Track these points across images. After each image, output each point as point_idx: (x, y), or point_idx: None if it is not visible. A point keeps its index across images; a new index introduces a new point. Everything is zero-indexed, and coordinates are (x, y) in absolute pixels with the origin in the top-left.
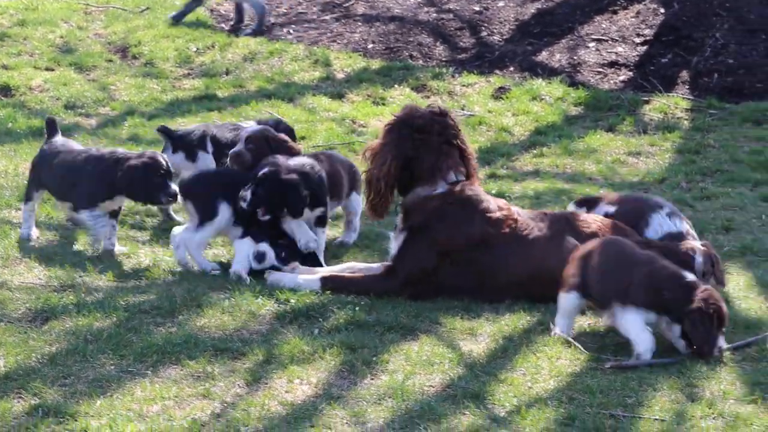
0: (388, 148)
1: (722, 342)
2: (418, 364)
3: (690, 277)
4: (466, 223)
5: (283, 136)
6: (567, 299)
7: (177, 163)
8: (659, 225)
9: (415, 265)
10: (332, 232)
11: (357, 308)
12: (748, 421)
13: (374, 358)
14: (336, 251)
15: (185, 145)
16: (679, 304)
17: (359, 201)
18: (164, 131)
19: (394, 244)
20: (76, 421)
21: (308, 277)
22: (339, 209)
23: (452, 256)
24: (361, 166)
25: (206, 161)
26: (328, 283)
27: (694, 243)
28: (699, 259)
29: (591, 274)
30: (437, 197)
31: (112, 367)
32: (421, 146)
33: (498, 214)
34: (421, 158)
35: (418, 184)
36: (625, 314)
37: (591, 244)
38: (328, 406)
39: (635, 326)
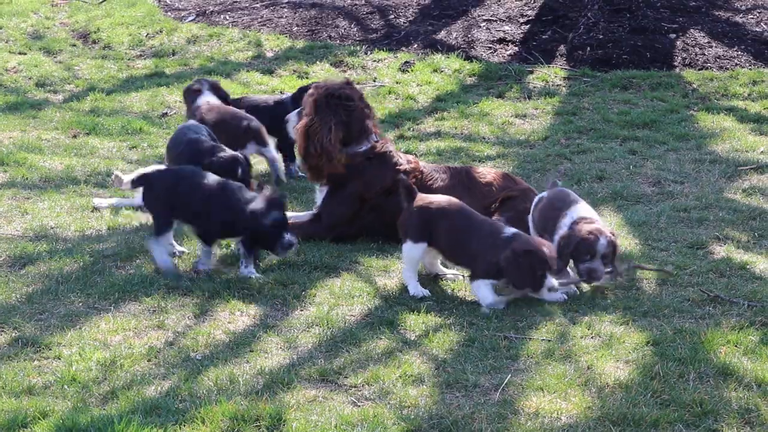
0: (327, 119)
1: (551, 281)
2: (340, 297)
3: (508, 232)
4: (381, 174)
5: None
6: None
7: None
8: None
9: (337, 213)
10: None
11: None
12: (620, 340)
13: (303, 293)
14: None
15: None
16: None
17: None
18: None
19: (319, 196)
20: (50, 350)
21: None
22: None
23: (369, 202)
24: (298, 141)
25: None
26: None
27: (602, 227)
28: (602, 241)
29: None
30: (360, 154)
31: (80, 304)
32: (352, 112)
33: (406, 167)
34: (352, 122)
35: (347, 145)
36: None
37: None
38: (265, 333)
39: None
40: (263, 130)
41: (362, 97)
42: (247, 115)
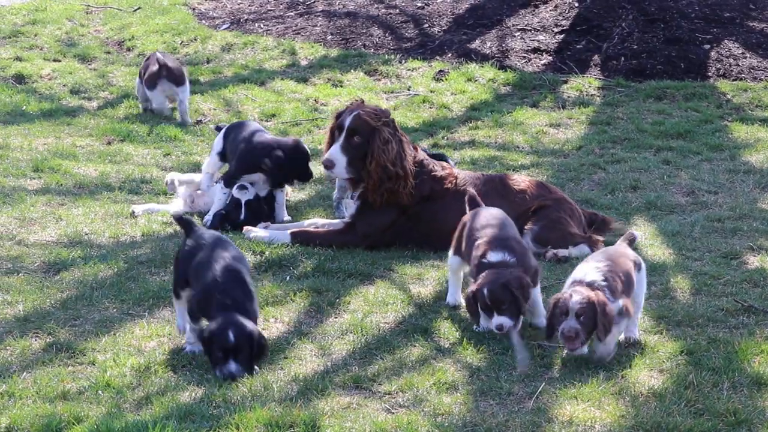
0: (406, 141)
1: (502, 320)
2: (374, 305)
3: (493, 258)
4: (419, 183)
5: None
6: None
7: None
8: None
9: (374, 222)
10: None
11: (322, 258)
12: (654, 349)
13: (337, 300)
14: (300, 209)
15: None
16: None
17: None
18: None
19: (351, 205)
20: (84, 355)
21: (280, 232)
22: None
23: (408, 211)
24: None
25: None
26: (297, 237)
27: (583, 290)
28: (575, 297)
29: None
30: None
31: (115, 310)
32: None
33: (441, 173)
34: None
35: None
36: None
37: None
38: (299, 340)
39: None
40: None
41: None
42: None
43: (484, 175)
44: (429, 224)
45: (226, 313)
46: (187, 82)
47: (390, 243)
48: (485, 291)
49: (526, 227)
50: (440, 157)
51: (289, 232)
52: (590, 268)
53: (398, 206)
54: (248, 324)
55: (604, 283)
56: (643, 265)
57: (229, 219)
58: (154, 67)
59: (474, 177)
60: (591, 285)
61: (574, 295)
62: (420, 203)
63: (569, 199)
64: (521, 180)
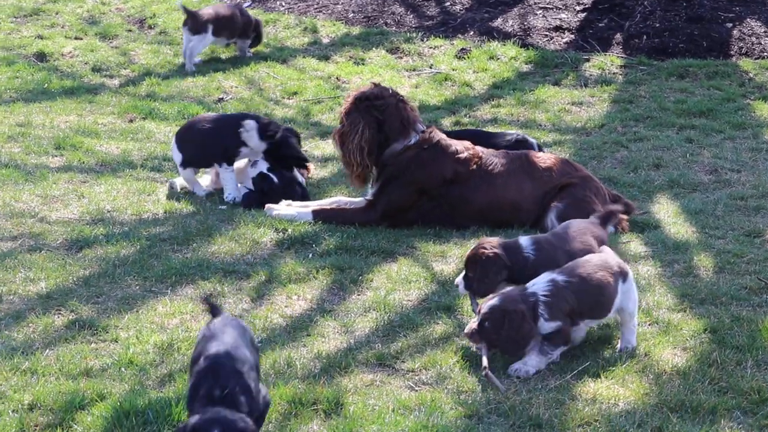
0: (356, 122)
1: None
2: (397, 282)
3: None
4: (440, 165)
5: None
6: None
7: None
8: None
9: (393, 202)
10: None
11: (344, 235)
12: (678, 327)
13: (360, 277)
14: (322, 188)
15: None
16: None
17: None
18: None
19: (372, 188)
20: (107, 333)
21: (302, 210)
22: None
23: (430, 192)
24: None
25: None
26: (319, 214)
27: (507, 297)
28: (489, 302)
29: None
30: (413, 146)
31: (137, 288)
32: (385, 109)
33: (465, 154)
34: (389, 118)
35: (393, 140)
36: None
37: None
38: (322, 318)
39: None
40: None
41: (395, 94)
42: None
43: (509, 153)
44: (455, 206)
45: (210, 407)
46: (206, 33)
47: (412, 222)
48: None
49: (551, 204)
50: (524, 142)
51: (311, 209)
52: (543, 281)
53: (418, 187)
54: (238, 421)
55: (544, 299)
56: (630, 275)
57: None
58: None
59: (499, 154)
60: (526, 296)
61: (492, 300)
62: (444, 185)
63: (594, 177)
64: (546, 158)
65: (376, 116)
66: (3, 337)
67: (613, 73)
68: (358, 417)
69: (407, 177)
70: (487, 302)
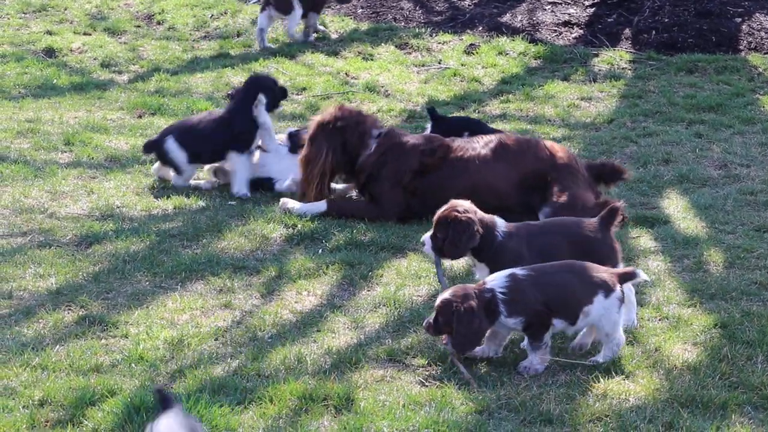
0: (320, 147)
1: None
2: (407, 278)
3: None
4: (403, 160)
5: None
6: None
7: None
8: None
9: (389, 199)
10: None
11: (354, 231)
12: (688, 322)
13: (370, 273)
14: None
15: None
16: None
17: None
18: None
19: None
20: (117, 328)
21: (315, 203)
22: None
23: (406, 187)
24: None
25: None
26: (332, 208)
27: (459, 291)
28: (442, 296)
29: None
30: (373, 153)
31: (147, 283)
32: (344, 129)
33: (428, 146)
34: (350, 137)
35: (357, 155)
36: None
37: None
38: (332, 313)
39: None
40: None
41: (357, 113)
42: None
43: (483, 138)
44: (432, 196)
45: None
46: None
47: (419, 214)
48: None
49: (541, 208)
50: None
51: (325, 201)
52: (502, 276)
53: (398, 182)
54: None
55: (502, 295)
56: (616, 293)
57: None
58: None
59: (472, 142)
60: (482, 291)
61: (445, 293)
62: (416, 178)
63: (572, 159)
64: (521, 140)
65: (339, 138)
66: (13, 332)
67: (622, 69)
68: (369, 412)
69: (382, 176)
70: (441, 296)
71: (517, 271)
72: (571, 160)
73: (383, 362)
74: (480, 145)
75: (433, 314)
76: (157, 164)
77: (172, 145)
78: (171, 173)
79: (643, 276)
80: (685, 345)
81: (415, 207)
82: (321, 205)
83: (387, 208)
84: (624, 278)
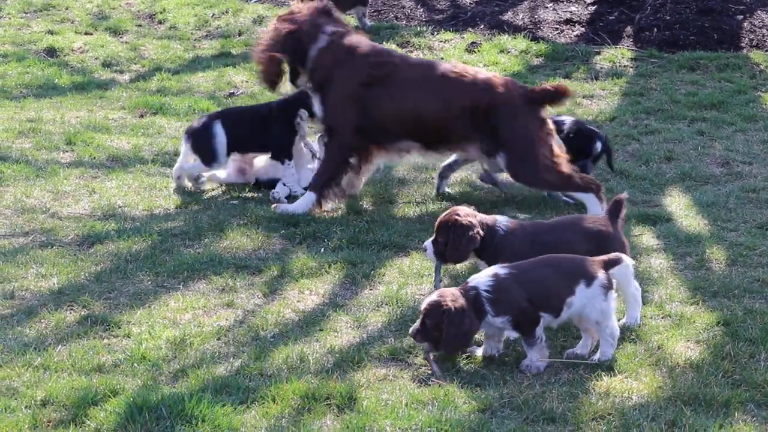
0: (270, 36)
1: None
2: (409, 276)
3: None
4: (350, 66)
5: None
6: None
7: None
8: None
9: (338, 116)
10: None
11: (356, 230)
12: (691, 320)
13: (372, 272)
14: None
15: None
16: None
17: None
18: None
19: (317, 105)
20: (119, 328)
21: (300, 200)
22: None
23: (356, 100)
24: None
25: None
26: (317, 191)
27: (447, 293)
28: (428, 298)
29: None
30: (326, 50)
31: (149, 283)
32: (297, 17)
33: (378, 59)
34: (299, 26)
35: (309, 46)
36: None
37: None
38: (334, 312)
39: None
40: None
41: (310, 4)
42: None
43: (424, 62)
44: (373, 111)
45: None
46: None
47: (368, 136)
48: None
49: (494, 155)
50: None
51: (311, 192)
52: (485, 275)
53: (347, 93)
54: None
55: (486, 295)
56: (599, 281)
57: None
58: None
59: (423, 63)
60: (467, 290)
61: (431, 296)
62: (363, 88)
63: (513, 91)
64: (468, 70)
65: (288, 27)
66: (15, 333)
67: (624, 66)
68: (372, 412)
69: (334, 82)
70: (427, 299)
71: (499, 270)
72: (512, 93)
73: (386, 361)
74: (424, 67)
75: (420, 319)
76: (178, 166)
77: (218, 130)
78: (188, 181)
79: (627, 261)
80: (687, 343)
81: (362, 124)
82: (310, 197)
83: (341, 125)
84: (608, 264)
